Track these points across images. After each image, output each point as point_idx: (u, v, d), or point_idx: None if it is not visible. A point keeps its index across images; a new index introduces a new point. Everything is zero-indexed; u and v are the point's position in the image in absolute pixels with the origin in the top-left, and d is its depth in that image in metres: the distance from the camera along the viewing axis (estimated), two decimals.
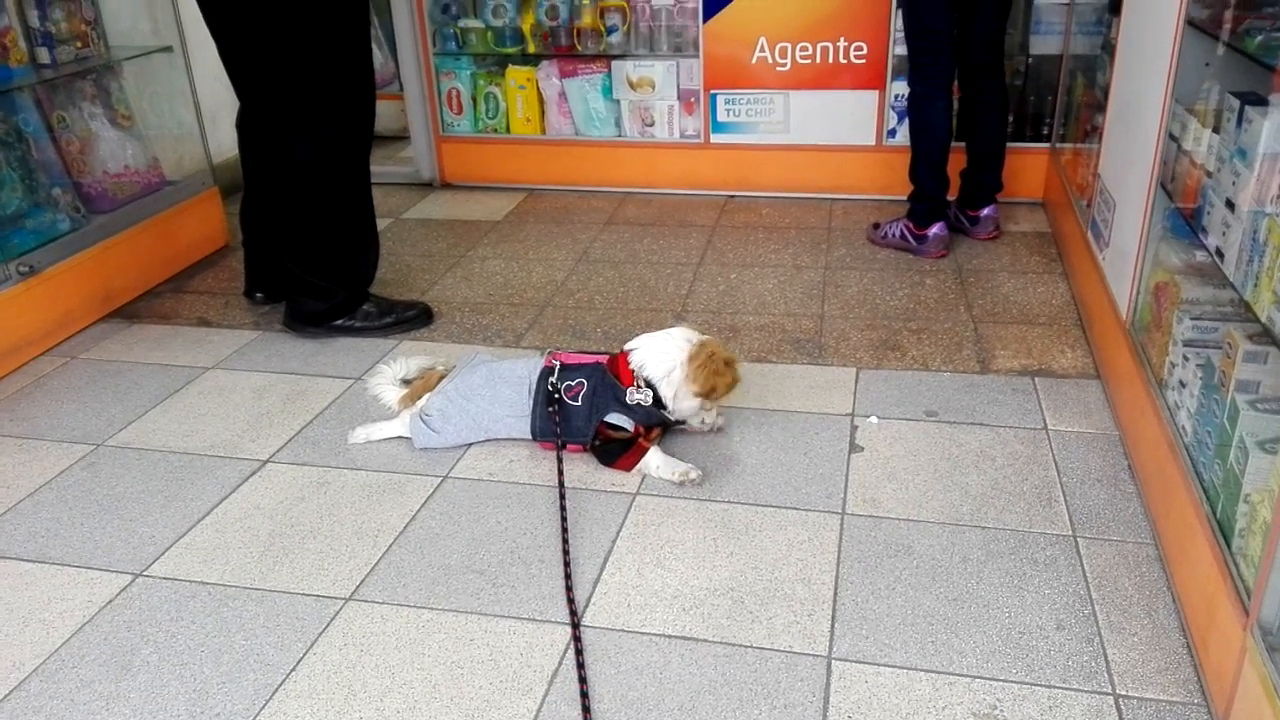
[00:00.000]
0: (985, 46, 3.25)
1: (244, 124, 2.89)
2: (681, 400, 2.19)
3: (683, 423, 2.27)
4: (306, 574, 1.90)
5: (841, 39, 3.75)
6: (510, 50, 4.11)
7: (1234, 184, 1.64)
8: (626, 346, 2.23)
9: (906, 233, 3.39)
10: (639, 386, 2.17)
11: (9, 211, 2.84)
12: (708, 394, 2.18)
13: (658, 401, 2.18)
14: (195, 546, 2.00)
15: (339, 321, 2.88)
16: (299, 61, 2.55)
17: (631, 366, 2.19)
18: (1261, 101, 1.62)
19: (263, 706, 1.59)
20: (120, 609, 1.83)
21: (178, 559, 1.96)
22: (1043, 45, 3.67)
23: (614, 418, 2.17)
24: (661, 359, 2.18)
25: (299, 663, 1.68)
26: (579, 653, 1.66)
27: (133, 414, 2.51)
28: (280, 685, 1.64)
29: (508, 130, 4.22)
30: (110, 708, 1.60)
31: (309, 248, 2.78)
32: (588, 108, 4.09)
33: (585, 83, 4.05)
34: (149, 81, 3.45)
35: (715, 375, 2.16)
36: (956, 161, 3.39)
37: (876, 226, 3.51)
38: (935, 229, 3.31)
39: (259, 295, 3.12)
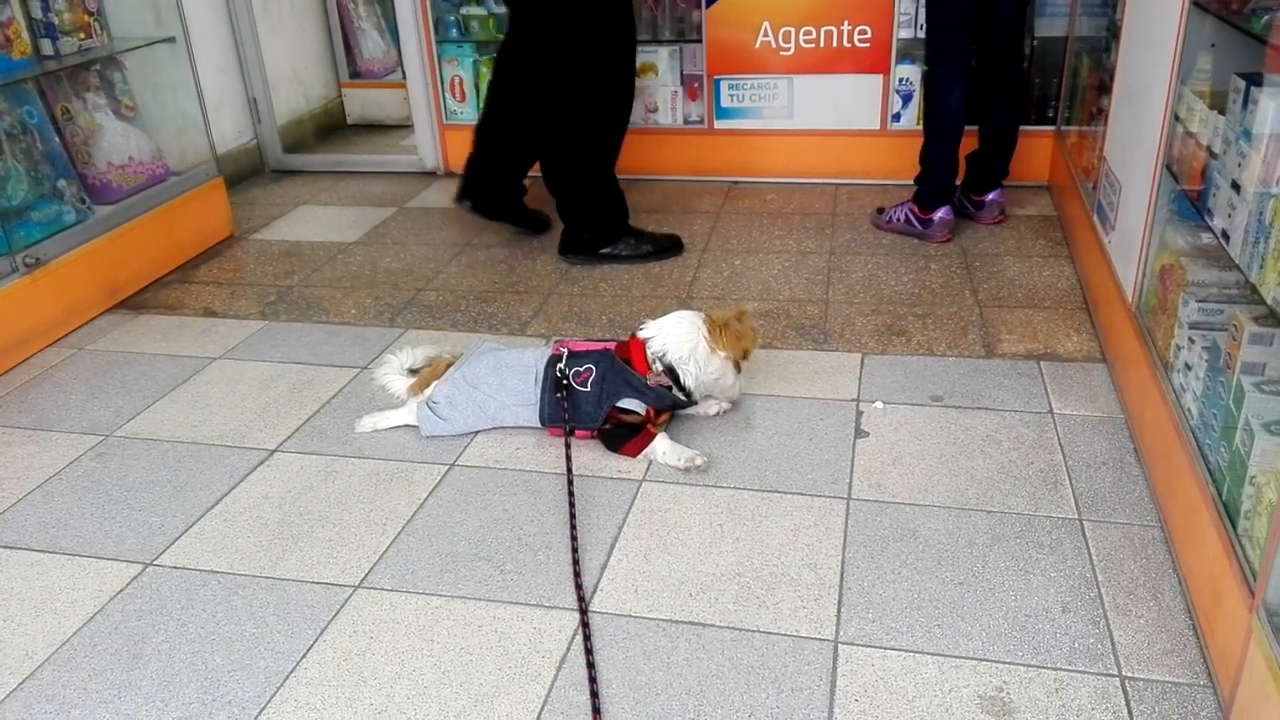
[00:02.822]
0: (1007, 30, 3.20)
1: (508, 57, 3.22)
2: (707, 376, 2.22)
3: (695, 402, 2.29)
4: (316, 562, 1.92)
5: (845, 22, 3.73)
6: None
7: (1239, 165, 1.64)
8: (639, 334, 2.25)
9: (911, 217, 3.37)
10: (657, 371, 2.19)
11: (14, 204, 2.85)
12: (746, 353, 2.27)
13: (676, 383, 2.20)
14: (204, 536, 2.01)
15: (605, 249, 3.25)
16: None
17: (651, 352, 2.21)
18: (1267, 82, 1.61)
19: (273, 694, 1.61)
20: (131, 598, 1.84)
21: (187, 548, 1.97)
22: (1048, 28, 3.65)
23: (626, 402, 2.18)
24: (682, 341, 2.21)
25: (309, 650, 1.69)
26: (587, 638, 1.67)
27: (141, 404, 2.52)
28: (291, 672, 1.65)
29: None
30: (122, 696, 1.62)
31: (583, 181, 3.17)
32: None
33: None
34: (152, 72, 3.45)
35: (742, 335, 2.26)
36: (965, 145, 3.37)
37: (881, 211, 3.50)
38: (941, 213, 3.30)
39: (467, 203, 3.41)
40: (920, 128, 3.42)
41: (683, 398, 2.23)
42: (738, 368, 2.28)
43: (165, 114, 3.52)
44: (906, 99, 3.77)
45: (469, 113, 4.22)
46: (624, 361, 2.21)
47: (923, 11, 3.57)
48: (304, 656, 1.68)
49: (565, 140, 3.16)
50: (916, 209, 3.37)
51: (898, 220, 3.42)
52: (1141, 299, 2.22)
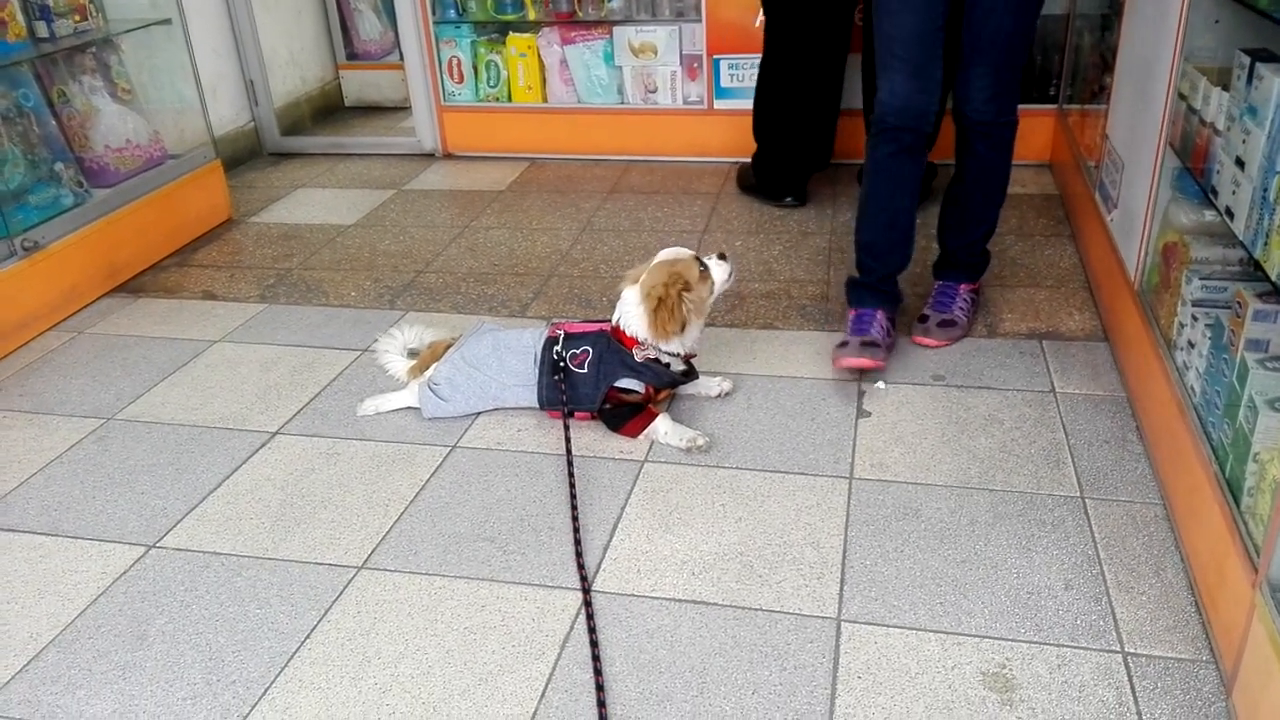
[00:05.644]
0: None
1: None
2: (686, 339, 2.20)
3: (695, 377, 2.29)
4: (318, 543, 1.92)
5: None
6: (511, 17, 4.07)
7: (1244, 142, 1.63)
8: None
9: (975, 298, 2.68)
10: (643, 345, 2.18)
11: (12, 187, 2.84)
12: (683, 326, 2.14)
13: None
14: (207, 518, 2.01)
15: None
16: None
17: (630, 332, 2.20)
18: (1272, 58, 1.60)
19: (278, 674, 1.61)
20: (134, 580, 1.84)
21: (190, 530, 1.98)
22: (1049, 4, 3.59)
23: (624, 382, 2.17)
24: (640, 323, 2.17)
25: (313, 630, 1.70)
26: (590, 617, 1.68)
27: (141, 388, 2.52)
28: (295, 653, 1.65)
29: (509, 99, 4.19)
30: (127, 677, 1.62)
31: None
32: (589, 75, 4.06)
33: (587, 49, 4.01)
34: (149, 54, 3.43)
35: (668, 311, 2.11)
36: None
37: (947, 326, 2.52)
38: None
39: (790, 199, 3.59)
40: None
41: (679, 374, 2.23)
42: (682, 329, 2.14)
43: (162, 97, 3.50)
44: None
45: (467, 94, 4.20)
46: (619, 341, 2.21)
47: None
48: (308, 637, 1.69)
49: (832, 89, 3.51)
50: (975, 285, 2.67)
51: (969, 312, 2.61)
52: (1144, 277, 2.22)
